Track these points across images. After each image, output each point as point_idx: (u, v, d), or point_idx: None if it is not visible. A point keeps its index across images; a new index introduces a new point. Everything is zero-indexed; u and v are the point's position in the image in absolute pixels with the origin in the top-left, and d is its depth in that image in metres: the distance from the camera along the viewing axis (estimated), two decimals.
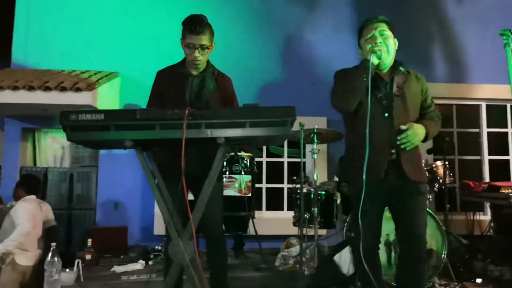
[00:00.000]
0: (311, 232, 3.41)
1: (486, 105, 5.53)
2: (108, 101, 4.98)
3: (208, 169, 2.16)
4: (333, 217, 3.47)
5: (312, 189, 3.36)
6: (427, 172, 2.98)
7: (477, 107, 5.53)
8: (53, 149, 5.78)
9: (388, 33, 2.14)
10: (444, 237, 2.89)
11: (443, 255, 2.89)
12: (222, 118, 1.69)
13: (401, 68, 2.17)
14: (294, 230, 4.39)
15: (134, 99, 5.28)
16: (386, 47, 2.08)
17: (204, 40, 2.20)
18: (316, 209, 3.25)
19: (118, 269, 3.64)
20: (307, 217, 3.36)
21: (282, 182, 5.31)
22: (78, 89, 4.50)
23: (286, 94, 5.22)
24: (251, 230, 3.86)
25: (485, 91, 5.41)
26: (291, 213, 5.06)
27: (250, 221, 3.82)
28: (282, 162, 5.36)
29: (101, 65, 5.25)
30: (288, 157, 5.36)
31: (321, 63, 5.40)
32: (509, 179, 5.40)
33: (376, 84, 2.09)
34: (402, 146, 2.02)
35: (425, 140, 2.12)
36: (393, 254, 2.84)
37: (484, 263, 3.30)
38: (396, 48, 2.19)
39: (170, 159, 2.21)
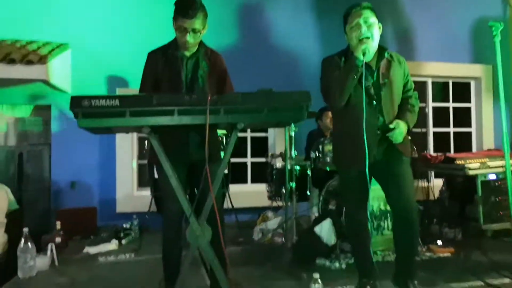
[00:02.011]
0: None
1: (432, 82, 5.99)
2: (61, 76, 4.63)
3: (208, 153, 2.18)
4: (306, 191, 3.64)
5: (289, 164, 3.46)
6: None
7: (424, 83, 5.96)
8: None
9: (373, 19, 2.20)
10: None
11: None
12: (241, 104, 1.70)
13: (386, 54, 2.26)
14: (262, 202, 4.55)
15: (87, 73, 4.97)
16: (371, 36, 2.16)
17: (197, 23, 2.14)
18: (294, 183, 3.39)
19: (91, 250, 3.54)
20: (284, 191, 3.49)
21: (246, 156, 5.40)
22: (30, 62, 4.11)
23: (245, 72, 5.14)
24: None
25: (430, 68, 5.83)
26: (257, 186, 5.27)
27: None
28: (245, 138, 5.41)
29: (48, 35, 4.83)
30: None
31: (280, 41, 5.40)
32: (449, 150, 5.98)
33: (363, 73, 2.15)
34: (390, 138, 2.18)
35: (407, 133, 2.28)
36: (369, 224, 3.06)
37: (440, 226, 3.70)
38: (380, 33, 2.28)
39: (171, 144, 2.20)
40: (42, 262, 3.05)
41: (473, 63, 5.94)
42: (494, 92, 5.94)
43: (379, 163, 2.21)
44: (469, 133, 6.09)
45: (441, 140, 5.98)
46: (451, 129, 6.03)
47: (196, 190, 2.34)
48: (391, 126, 2.16)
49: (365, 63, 2.15)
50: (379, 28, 2.26)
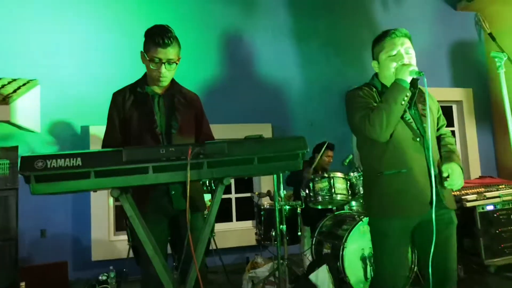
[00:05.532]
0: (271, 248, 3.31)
1: None
2: (28, 115, 4.32)
3: (192, 201, 1.93)
4: (297, 232, 3.38)
5: (278, 204, 3.20)
6: None
7: None
8: None
9: (413, 51, 1.93)
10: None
11: (411, 265, 2.92)
12: (227, 155, 1.46)
13: (419, 86, 1.97)
14: (249, 241, 4.29)
15: (58, 110, 4.66)
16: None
17: (172, 54, 1.95)
18: (284, 226, 3.13)
19: None
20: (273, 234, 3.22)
21: (229, 192, 5.13)
22: None
23: (226, 101, 5.01)
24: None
25: None
26: (242, 224, 5.00)
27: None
28: None
29: (15, 71, 4.53)
30: None
31: (261, 68, 5.29)
32: None
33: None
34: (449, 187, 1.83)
35: None
36: (368, 268, 2.82)
37: None
38: None
39: (147, 195, 1.93)
40: None
41: (453, 87, 5.93)
42: (476, 115, 5.95)
43: (422, 222, 1.81)
44: None
45: None
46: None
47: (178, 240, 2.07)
48: (444, 174, 1.79)
49: None
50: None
